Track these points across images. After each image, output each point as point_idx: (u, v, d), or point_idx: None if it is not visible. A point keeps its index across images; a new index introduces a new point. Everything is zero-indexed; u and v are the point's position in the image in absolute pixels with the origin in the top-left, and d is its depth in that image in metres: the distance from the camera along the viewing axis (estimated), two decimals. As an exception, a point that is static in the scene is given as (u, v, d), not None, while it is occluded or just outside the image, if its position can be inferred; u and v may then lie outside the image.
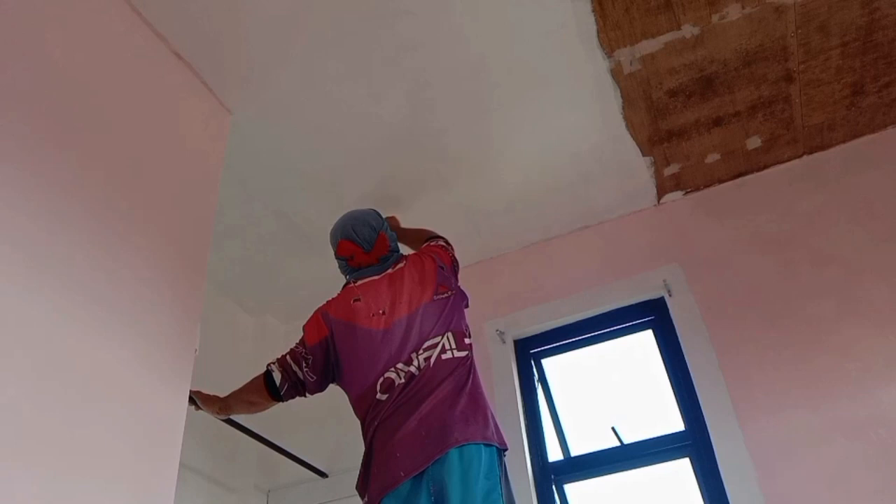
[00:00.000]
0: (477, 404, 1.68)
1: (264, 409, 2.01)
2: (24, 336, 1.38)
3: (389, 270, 1.99)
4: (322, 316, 1.93)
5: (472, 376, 1.76)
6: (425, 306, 1.85)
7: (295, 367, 1.92)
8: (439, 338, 1.78)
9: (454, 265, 2.11)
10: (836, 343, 2.42)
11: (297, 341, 1.97)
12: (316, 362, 1.89)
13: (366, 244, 2.04)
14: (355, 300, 1.91)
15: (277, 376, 1.92)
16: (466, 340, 1.84)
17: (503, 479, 1.62)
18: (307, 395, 1.96)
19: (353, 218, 2.12)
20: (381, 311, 1.86)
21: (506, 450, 1.70)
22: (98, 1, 1.92)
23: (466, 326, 1.91)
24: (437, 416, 1.62)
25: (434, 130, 2.57)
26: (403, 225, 2.47)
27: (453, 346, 1.77)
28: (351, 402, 1.86)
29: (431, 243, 2.15)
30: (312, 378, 1.90)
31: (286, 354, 1.96)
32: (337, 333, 1.88)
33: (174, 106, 2.11)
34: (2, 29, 1.58)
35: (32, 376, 1.37)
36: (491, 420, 1.69)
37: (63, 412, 1.41)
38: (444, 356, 1.74)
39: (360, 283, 1.98)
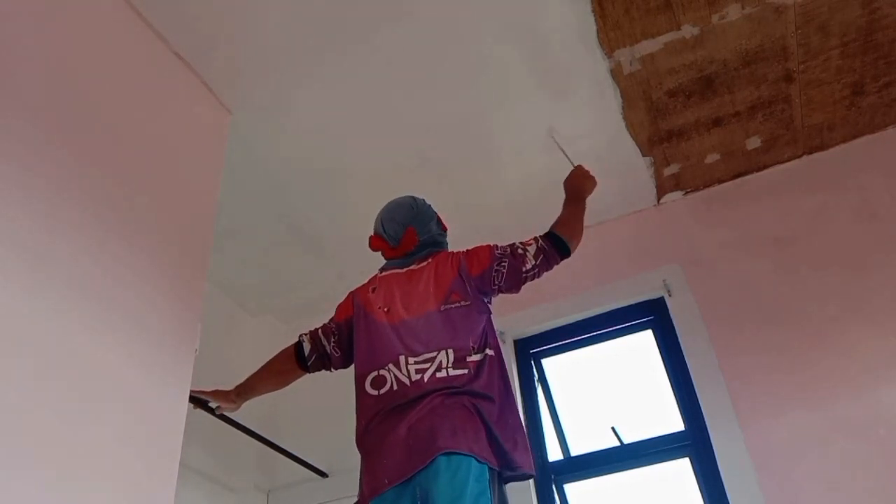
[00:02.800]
0: (473, 421, 1.60)
1: (289, 382, 2.04)
2: (24, 336, 1.38)
3: (413, 266, 1.94)
4: (352, 297, 1.99)
5: (473, 396, 1.65)
6: (430, 315, 1.79)
7: (324, 341, 1.98)
8: (437, 353, 1.71)
9: (491, 275, 1.85)
10: (836, 343, 2.42)
11: (330, 318, 2.03)
12: (341, 339, 1.96)
13: (392, 241, 2.01)
14: (373, 289, 1.94)
15: (307, 346, 1.99)
16: (471, 358, 1.71)
17: (495, 497, 1.54)
18: (332, 369, 2.01)
19: (387, 210, 2.07)
20: (385, 308, 1.86)
21: (499, 473, 1.59)
22: (98, 1, 1.92)
23: (477, 341, 1.76)
24: (425, 425, 1.59)
25: (434, 130, 2.57)
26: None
27: (450, 363, 1.69)
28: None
29: (498, 245, 1.90)
30: (337, 354, 1.96)
31: (318, 328, 2.01)
32: (356, 316, 1.92)
33: (174, 106, 2.11)
34: (2, 29, 1.58)
35: (32, 376, 1.38)
36: (486, 438, 1.59)
37: (63, 412, 1.41)
38: (438, 374, 1.67)
39: (383, 273, 1.98)
